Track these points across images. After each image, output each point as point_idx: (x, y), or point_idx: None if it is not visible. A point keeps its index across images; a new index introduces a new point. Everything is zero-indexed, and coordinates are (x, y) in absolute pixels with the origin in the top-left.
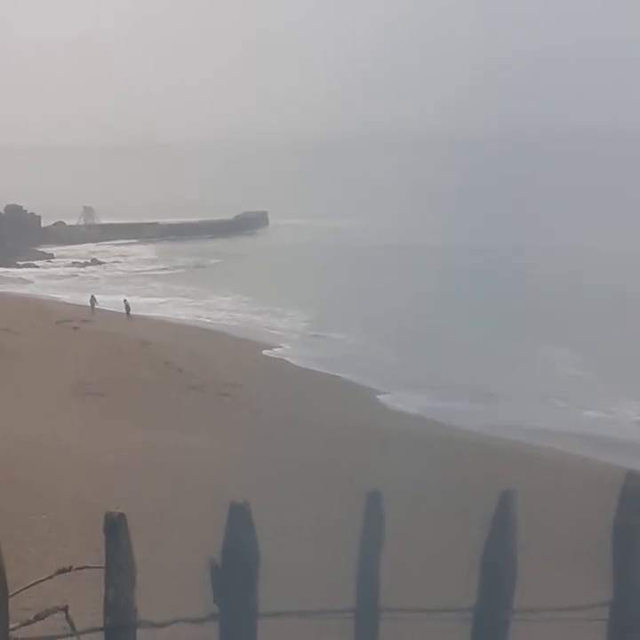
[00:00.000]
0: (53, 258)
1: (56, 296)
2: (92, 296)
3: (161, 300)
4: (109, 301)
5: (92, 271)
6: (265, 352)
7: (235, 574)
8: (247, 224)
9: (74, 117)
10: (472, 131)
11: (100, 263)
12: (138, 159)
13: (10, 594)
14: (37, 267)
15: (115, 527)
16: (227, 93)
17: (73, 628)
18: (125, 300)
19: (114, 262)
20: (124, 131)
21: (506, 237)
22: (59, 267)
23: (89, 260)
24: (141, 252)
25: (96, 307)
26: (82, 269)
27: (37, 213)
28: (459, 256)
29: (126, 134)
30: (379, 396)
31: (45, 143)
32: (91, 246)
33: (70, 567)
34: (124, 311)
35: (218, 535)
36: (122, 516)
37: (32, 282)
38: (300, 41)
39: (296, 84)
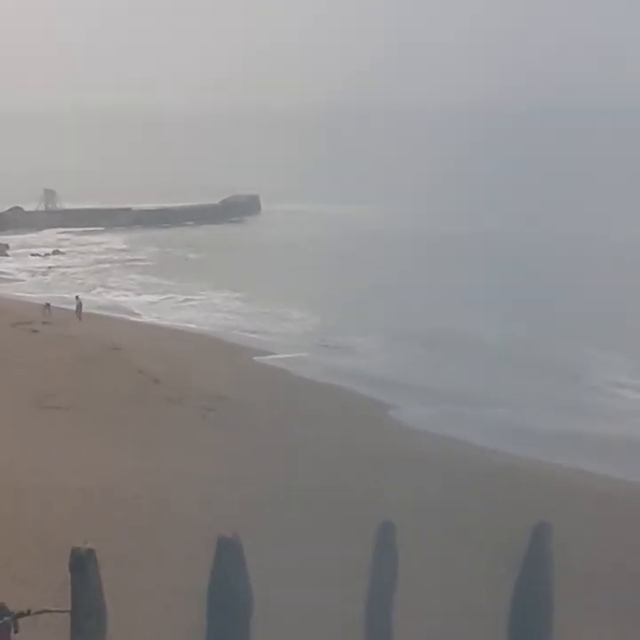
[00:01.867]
0: (8, 249)
1: (12, 294)
2: (47, 303)
3: (134, 297)
4: (72, 300)
5: (54, 264)
6: (257, 359)
7: (224, 616)
8: (236, 210)
9: (18, 81)
10: (471, 103)
11: (63, 254)
12: (99, 130)
13: None
14: None
15: (82, 564)
16: (202, 56)
17: None
18: (77, 297)
19: (78, 254)
20: (78, 97)
21: (520, 222)
22: (16, 260)
23: (50, 252)
24: (111, 241)
25: (50, 308)
26: (42, 263)
27: None
28: (473, 244)
29: (81, 100)
30: (389, 411)
31: None
32: (52, 235)
33: (28, 610)
34: (75, 310)
35: (201, 573)
36: (90, 551)
37: None
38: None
39: (282, 48)
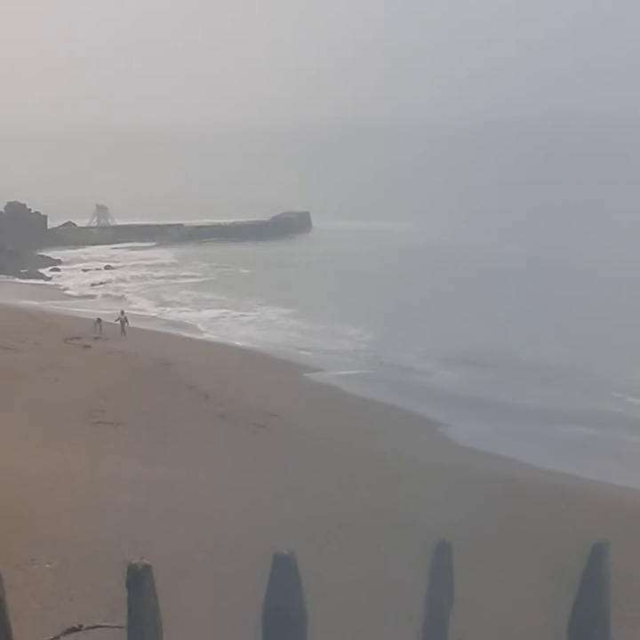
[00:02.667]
0: (61, 264)
1: (63, 309)
2: (99, 319)
3: (194, 313)
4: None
5: (106, 280)
6: (309, 376)
7: (280, 634)
8: (287, 227)
9: (50, 103)
10: (491, 116)
11: (115, 270)
12: (152, 146)
13: None
14: (43, 276)
15: (139, 580)
16: (220, 76)
17: None
18: (122, 313)
19: (130, 269)
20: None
21: (564, 243)
22: (68, 275)
23: (102, 267)
24: (162, 256)
25: (102, 323)
26: (94, 278)
27: (43, 213)
28: (518, 262)
29: (116, 119)
30: (441, 428)
31: (28, 132)
32: (104, 250)
33: (80, 626)
34: (120, 325)
35: (254, 589)
36: (147, 567)
37: (36, 293)
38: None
39: (299, 66)
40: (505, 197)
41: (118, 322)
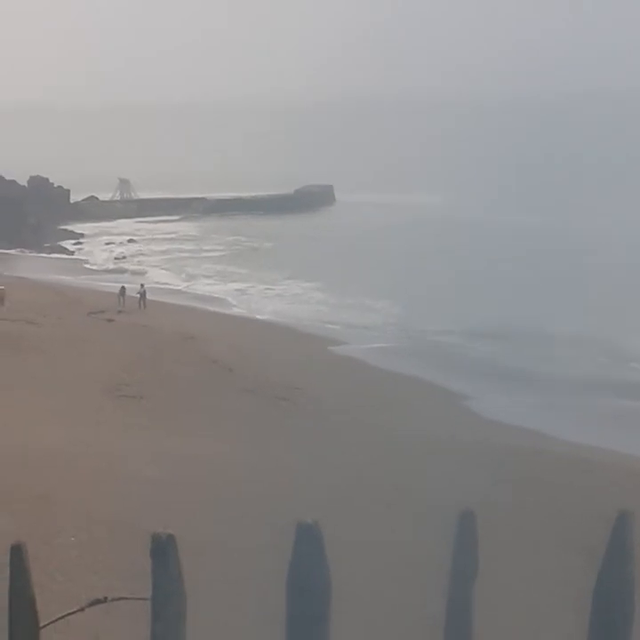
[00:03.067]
0: (84, 238)
1: (87, 283)
2: (123, 287)
3: (213, 286)
4: (149, 289)
5: (129, 253)
6: (334, 349)
7: (303, 603)
8: (310, 200)
9: (69, 75)
10: (505, 92)
11: (138, 243)
12: (165, 120)
13: None
14: (66, 250)
15: (163, 550)
16: (227, 52)
17: None
18: (142, 286)
19: (153, 242)
20: (127, 89)
21: (585, 216)
22: (91, 249)
23: (125, 241)
24: (185, 229)
25: (125, 296)
26: (117, 251)
27: (66, 187)
28: (543, 236)
29: (134, 93)
30: (467, 402)
31: (43, 102)
32: (127, 224)
33: (105, 598)
34: (139, 298)
35: (281, 560)
36: (171, 537)
37: (59, 266)
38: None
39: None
40: (526, 171)
41: (138, 295)
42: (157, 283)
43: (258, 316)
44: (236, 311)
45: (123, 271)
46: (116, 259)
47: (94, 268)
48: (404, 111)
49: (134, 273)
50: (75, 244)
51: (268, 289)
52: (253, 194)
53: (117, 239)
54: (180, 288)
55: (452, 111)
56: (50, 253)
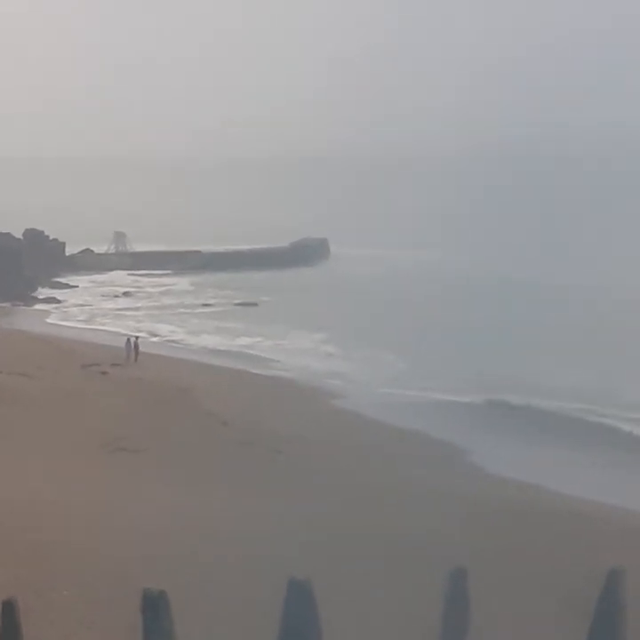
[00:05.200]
0: (78, 289)
1: (81, 336)
2: (128, 338)
3: (212, 339)
4: (144, 342)
5: (125, 306)
6: (334, 403)
7: None
8: (306, 253)
9: (54, 128)
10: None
11: (134, 297)
12: (158, 174)
13: None
14: (60, 301)
15: (154, 606)
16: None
17: None
18: (137, 338)
19: (148, 296)
20: (149, 142)
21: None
22: (85, 300)
23: (120, 293)
24: (180, 283)
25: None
26: (112, 304)
27: (61, 239)
28: (535, 290)
29: (151, 146)
30: (468, 456)
31: (31, 155)
32: (122, 277)
33: None
34: (133, 351)
35: (271, 615)
36: (162, 593)
37: (53, 319)
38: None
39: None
40: (519, 223)
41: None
42: (157, 336)
43: (260, 369)
44: (233, 364)
45: (116, 324)
46: (110, 311)
47: (87, 320)
48: (390, 166)
49: (128, 325)
50: (69, 295)
51: (276, 344)
52: (248, 247)
53: (113, 291)
54: (180, 341)
55: (445, 166)
56: (44, 305)
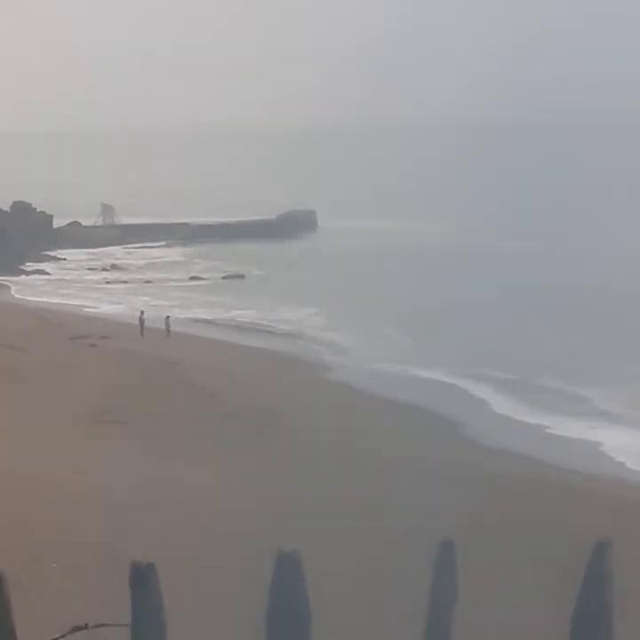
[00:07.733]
0: (66, 262)
1: (70, 308)
2: (142, 312)
3: (202, 313)
4: (130, 315)
5: (114, 279)
6: (325, 376)
7: (283, 632)
8: (293, 226)
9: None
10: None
11: (123, 270)
12: (144, 146)
13: None
14: (48, 273)
15: (142, 579)
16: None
17: None
18: (142, 313)
19: (137, 269)
20: (97, 115)
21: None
22: (74, 273)
23: (108, 267)
24: (170, 255)
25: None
26: (100, 277)
27: (48, 212)
28: (533, 261)
29: (106, 119)
30: (460, 429)
31: (13, 129)
32: (110, 249)
33: (86, 624)
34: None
35: (260, 588)
36: (151, 566)
37: (41, 292)
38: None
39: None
40: (516, 196)
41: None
42: (146, 309)
43: (250, 342)
44: (224, 337)
45: (104, 297)
46: (98, 284)
47: (76, 293)
48: (396, 138)
49: (117, 298)
50: (57, 268)
51: (266, 317)
52: (236, 219)
53: (100, 264)
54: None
55: (445, 137)
56: (32, 276)
